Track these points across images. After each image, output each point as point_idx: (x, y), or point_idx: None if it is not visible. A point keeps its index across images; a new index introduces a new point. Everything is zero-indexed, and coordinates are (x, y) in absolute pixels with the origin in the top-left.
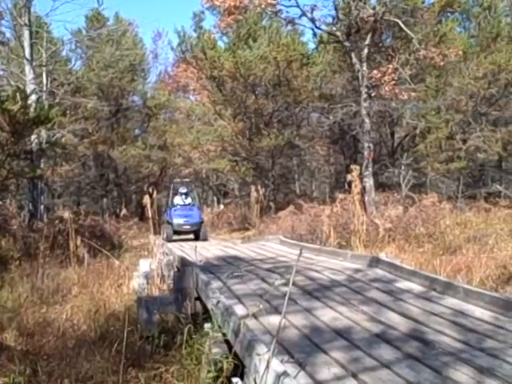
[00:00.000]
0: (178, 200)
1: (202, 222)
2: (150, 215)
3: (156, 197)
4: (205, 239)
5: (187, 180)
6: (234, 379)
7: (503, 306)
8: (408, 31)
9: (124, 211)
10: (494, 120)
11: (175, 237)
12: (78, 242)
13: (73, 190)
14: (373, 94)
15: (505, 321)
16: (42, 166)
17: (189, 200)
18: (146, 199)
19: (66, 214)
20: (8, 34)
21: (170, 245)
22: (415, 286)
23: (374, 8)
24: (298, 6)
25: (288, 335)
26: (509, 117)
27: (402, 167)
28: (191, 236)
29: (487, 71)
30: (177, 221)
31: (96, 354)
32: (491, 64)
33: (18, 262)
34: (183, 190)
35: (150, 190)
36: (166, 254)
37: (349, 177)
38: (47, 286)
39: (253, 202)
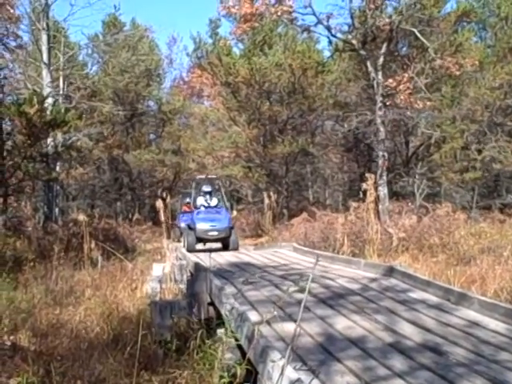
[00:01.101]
0: (200, 201)
1: (231, 228)
2: (163, 219)
3: (169, 201)
4: (235, 248)
5: (213, 176)
6: None
7: None
8: (424, 40)
9: (136, 215)
10: (510, 131)
11: (199, 246)
12: (92, 245)
13: (87, 193)
14: (388, 103)
15: None
16: (57, 168)
17: (214, 201)
18: (159, 203)
19: (81, 217)
20: (26, 38)
21: (183, 249)
22: (429, 296)
23: (390, 17)
24: (313, 14)
25: (302, 342)
26: None
27: (417, 176)
28: (218, 245)
29: (503, 81)
30: (201, 226)
31: (109, 356)
32: (507, 74)
33: (32, 264)
34: (207, 188)
35: (164, 194)
36: (180, 259)
37: (364, 185)
38: (61, 288)
39: (266, 208)
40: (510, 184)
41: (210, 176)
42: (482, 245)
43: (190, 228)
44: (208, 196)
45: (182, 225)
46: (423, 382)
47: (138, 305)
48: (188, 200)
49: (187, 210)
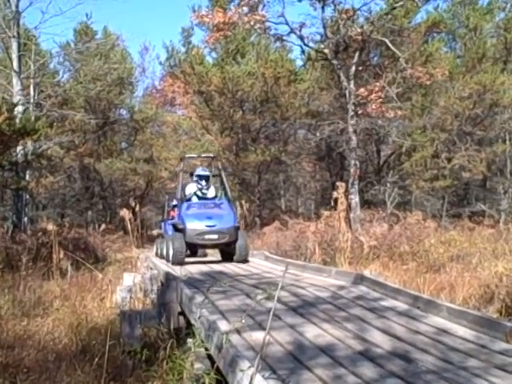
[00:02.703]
0: (192, 189)
1: (237, 229)
2: (131, 229)
3: (139, 210)
4: (244, 260)
5: (209, 155)
6: None
7: (486, 326)
8: (395, 50)
9: (103, 226)
10: (479, 140)
11: (190, 258)
12: (62, 255)
13: (57, 202)
14: (360, 112)
15: (488, 340)
16: (27, 177)
17: (212, 191)
18: (125, 212)
19: (50, 226)
20: None
21: (154, 259)
22: (399, 304)
23: (361, 27)
24: (286, 24)
25: (271, 351)
26: (493, 137)
27: (388, 185)
28: (212, 253)
29: (473, 91)
30: (193, 225)
31: (77, 367)
32: (477, 84)
33: None
34: (203, 171)
35: (132, 203)
36: (150, 269)
37: (335, 193)
38: (29, 299)
39: (238, 217)
40: (479, 192)
41: (204, 155)
42: (451, 253)
43: (177, 229)
44: (204, 183)
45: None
46: None
47: (107, 315)
48: (176, 202)
49: (175, 215)
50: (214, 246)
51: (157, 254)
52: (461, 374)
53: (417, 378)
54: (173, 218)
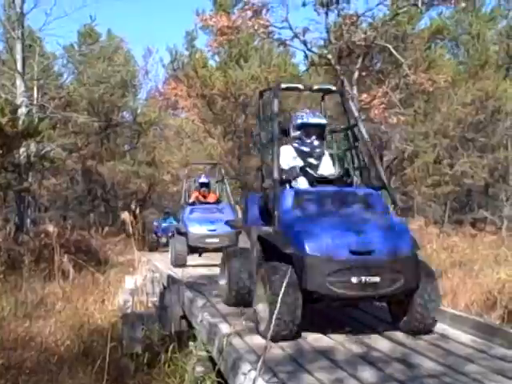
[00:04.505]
0: (289, 153)
1: (417, 260)
2: (133, 232)
3: (141, 213)
4: (428, 331)
5: (330, 88)
6: None
7: (488, 332)
8: (398, 56)
9: (106, 229)
10: (481, 146)
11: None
12: (64, 257)
13: (60, 204)
14: (362, 117)
15: (489, 346)
16: (29, 179)
17: (327, 165)
18: (127, 215)
19: (50, 228)
20: (0, 47)
21: (156, 262)
22: None
23: (365, 32)
24: (290, 28)
25: (272, 354)
26: (495, 143)
27: None
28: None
29: (475, 98)
30: (322, 242)
31: (79, 370)
32: (479, 91)
33: (1, 275)
34: (317, 117)
35: (133, 206)
36: (152, 271)
37: None
38: (31, 300)
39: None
40: (482, 199)
41: (316, 86)
42: (453, 259)
43: (269, 244)
44: (314, 139)
45: (193, 229)
46: None
47: (109, 317)
48: (204, 179)
49: (203, 199)
50: (364, 298)
51: (174, 264)
52: (462, 380)
53: (417, 383)
54: (195, 202)
